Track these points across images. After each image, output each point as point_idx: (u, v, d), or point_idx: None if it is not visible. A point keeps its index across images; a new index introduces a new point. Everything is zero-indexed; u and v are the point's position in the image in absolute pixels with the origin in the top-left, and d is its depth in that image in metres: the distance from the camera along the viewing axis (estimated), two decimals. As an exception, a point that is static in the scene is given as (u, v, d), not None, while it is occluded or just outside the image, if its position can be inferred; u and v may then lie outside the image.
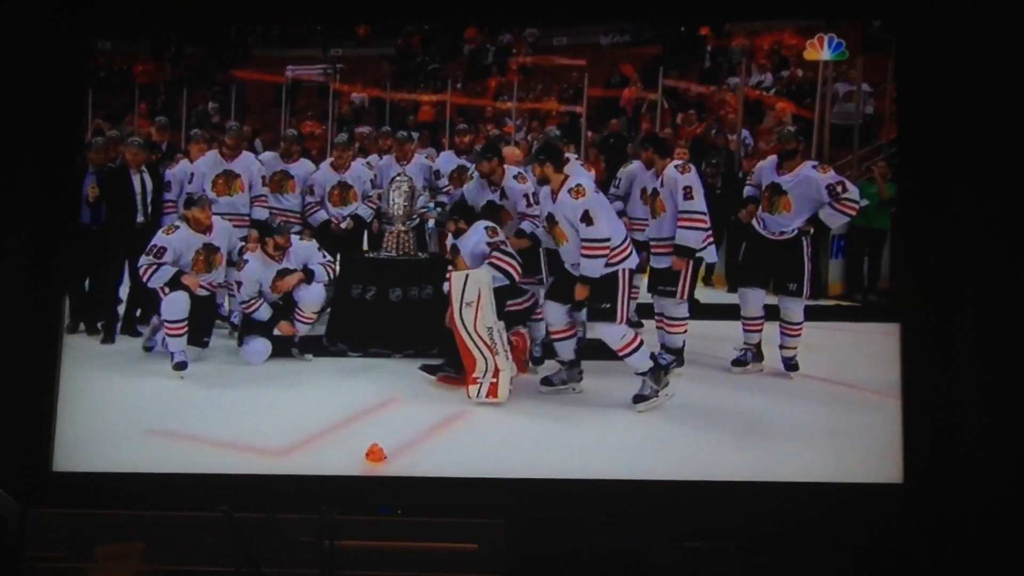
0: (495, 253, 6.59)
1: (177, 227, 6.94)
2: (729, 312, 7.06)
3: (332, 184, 7.72)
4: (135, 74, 8.54)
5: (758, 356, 6.92)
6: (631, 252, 6.32)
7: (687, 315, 6.88)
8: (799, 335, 6.84)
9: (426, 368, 6.78)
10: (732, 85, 8.47)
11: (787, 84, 8.35)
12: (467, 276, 6.45)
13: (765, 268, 6.89)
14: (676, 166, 6.72)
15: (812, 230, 6.73)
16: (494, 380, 6.40)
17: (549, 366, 6.77)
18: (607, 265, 6.21)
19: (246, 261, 7.06)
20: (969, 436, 5.66)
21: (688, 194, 6.64)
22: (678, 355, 6.87)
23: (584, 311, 6.49)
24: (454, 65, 9.13)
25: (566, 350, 6.60)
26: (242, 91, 8.89)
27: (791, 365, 6.83)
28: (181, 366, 6.80)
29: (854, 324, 7.29)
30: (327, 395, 6.62)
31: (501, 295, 6.56)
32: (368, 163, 7.93)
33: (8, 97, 6.13)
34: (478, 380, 6.43)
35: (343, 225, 7.71)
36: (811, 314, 6.92)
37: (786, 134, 6.94)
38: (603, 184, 7.23)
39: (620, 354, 6.29)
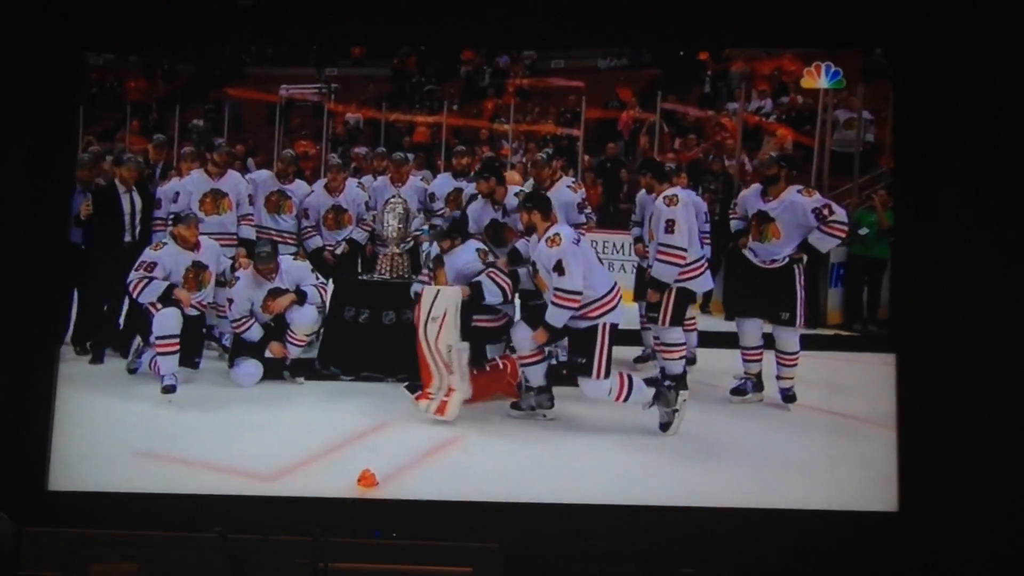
0: (491, 270, 6.72)
1: (165, 244, 6.96)
2: (727, 340, 7.09)
3: (327, 208, 7.77)
4: (127, 90, 8.57)
5: (758, 386, 6.93)
6: (614, 307, 6.35)
7: (682, 340, 6.90)
8: (795, 365, 6.85)
9: (410, 387, 6.81)
10: (731, 111, 8.54)
11: (787, 110, 8.43)
12: (437, 292, 6.59)
13: (759, 298, 6.90)
14: (665, 197, 6.74)
15: (804, 257, 6.73)
16: (445, 398, 6.52)
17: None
18: (585, 318, 6.27)
19: (237, 279, 7.10)
20: (965, 465, 5.73)
21: (669, 228, 6.68)
22: (680, 381, 6.83)
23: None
24: (450, 86, 9.23)
25: (535, 375, 6.64)
26: (235, 109, 8.93)
27: (788, 396, 6.85)
28: (170, 389, 6.77)
29: (853, 354, 7.27)
30: (319, 419, 6.64)
31: (472, 311, 6.67)
32: (361, 184, 7.98)
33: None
34: (431, 396, 6.57)
35: (338, 251, 7.76)
36: (809, 344, 6.95)
37: (767, 161, 6.94)
38: (602, 208, 7.38)
39: (618, 403, 6.38)
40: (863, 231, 7.51)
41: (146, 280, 6.82)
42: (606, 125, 8.84)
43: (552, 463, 6.23)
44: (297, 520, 4.89)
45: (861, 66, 7.54)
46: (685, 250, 6.72)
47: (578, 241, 6.32)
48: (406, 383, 6.88)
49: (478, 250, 6.87)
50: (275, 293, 7.04)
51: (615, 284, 6.41)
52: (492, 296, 6.67)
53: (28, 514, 5.04)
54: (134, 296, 6.87)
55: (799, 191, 6.71)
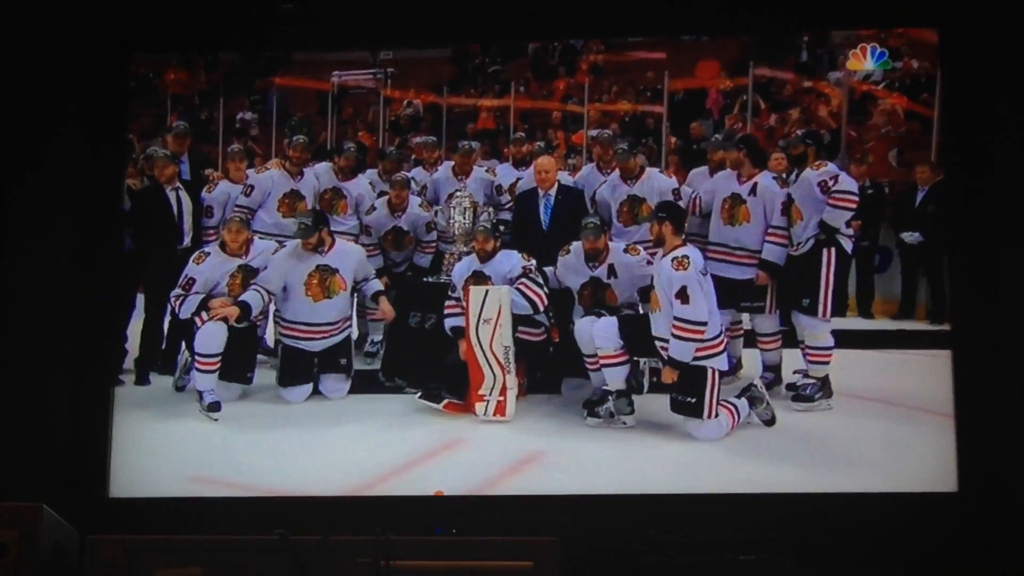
0: (524, 279, 7.31)
1: (207, 253, 7.57)
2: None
3: (387, 228, 8.34)
4: (166, 83, 9.04)
5: (822, 390, 7.32)
6: (721, 351, 6.89)
7: (780, 329, 7.47)
8: (821, 362, 7.31)
9: (427, 395, 7.42)
10: (833, 80, 8.82)
11: (900, 77, 8.57)
12: (487, 292, 7.20)
13: (789, 286, 7.37)
14: (775, 178, 7.38)
15: (825, 237, 7.16)
16: (501, 398, 7.23)
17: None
18: (694, 359, 6.75)
19: (284, 246, 7.61)
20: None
21: (784, 210, 7.29)
22: (776, 371, 7.47)
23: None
24: (517, 66, 9.60)
25: (616, 377, 7.15)
26: (283, 99, 9.42)
27: (800, 394, 7.30)
28: (215, 407, 7.31)
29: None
30: (384, 437, 7.22)
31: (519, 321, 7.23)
32: (424, 203, 8.41)
33: (47, 117, 6.96)
34: (484, 398, 7.23)
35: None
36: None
37: (792, 139, 7.46)
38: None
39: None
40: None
41: (182, 297, 7.41)
42: (691, 103, 9.18)
43: (609, 454, 6.82)
44: (359, 519, 5.44)
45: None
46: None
47: (705, 272, 6.80)
48: (419, 393, 7.48)
49: (521, 254, 7.40)
50: (323, 270, 7.57)
51: (723, 327, 6.93)
52: (517, 308, 7.22)
53: (90, 522, 5.60)
54: (175, 313, 7.47)
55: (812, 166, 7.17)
